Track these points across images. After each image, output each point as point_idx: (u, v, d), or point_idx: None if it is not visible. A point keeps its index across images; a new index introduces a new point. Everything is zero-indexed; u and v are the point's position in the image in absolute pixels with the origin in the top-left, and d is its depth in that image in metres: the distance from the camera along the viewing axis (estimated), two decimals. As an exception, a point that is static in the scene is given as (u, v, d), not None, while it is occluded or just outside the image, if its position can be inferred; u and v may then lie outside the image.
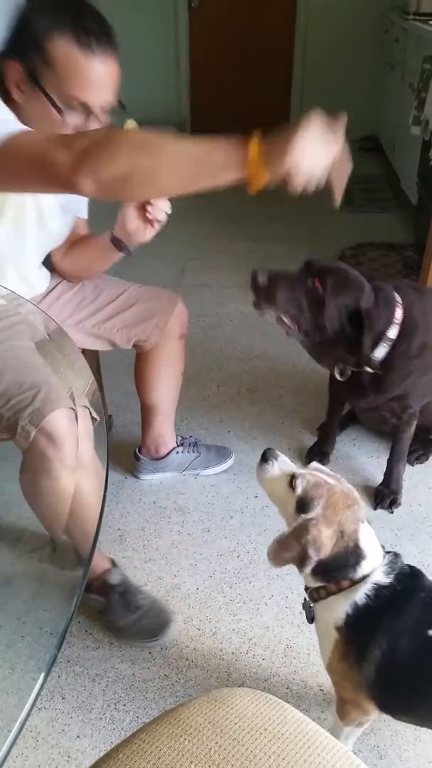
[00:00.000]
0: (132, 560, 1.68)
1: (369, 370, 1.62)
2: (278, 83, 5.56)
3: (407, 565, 1.09)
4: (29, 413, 1.14)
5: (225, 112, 5.69)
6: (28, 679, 0.73)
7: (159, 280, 1.83)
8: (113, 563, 1.56)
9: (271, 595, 1.60)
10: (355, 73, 5.36)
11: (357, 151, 5.25)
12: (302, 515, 1.04)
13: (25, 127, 1.13)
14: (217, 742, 0.76)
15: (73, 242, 1.62)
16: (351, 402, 1.91)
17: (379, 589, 1.03)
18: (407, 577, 1.06)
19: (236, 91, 5.60)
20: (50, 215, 1.46)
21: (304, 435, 2.15)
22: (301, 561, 1.02)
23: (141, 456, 1.95)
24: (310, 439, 2.12)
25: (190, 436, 2.00)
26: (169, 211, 1.40)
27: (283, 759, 0.75)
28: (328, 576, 1.05)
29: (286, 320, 1.59)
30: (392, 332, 1.58)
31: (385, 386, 1.67)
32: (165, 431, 1.92)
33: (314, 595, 1.10)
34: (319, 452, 2.03)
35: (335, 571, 1.04)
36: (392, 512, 1.84)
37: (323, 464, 2.04)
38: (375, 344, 1.56)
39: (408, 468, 1.95)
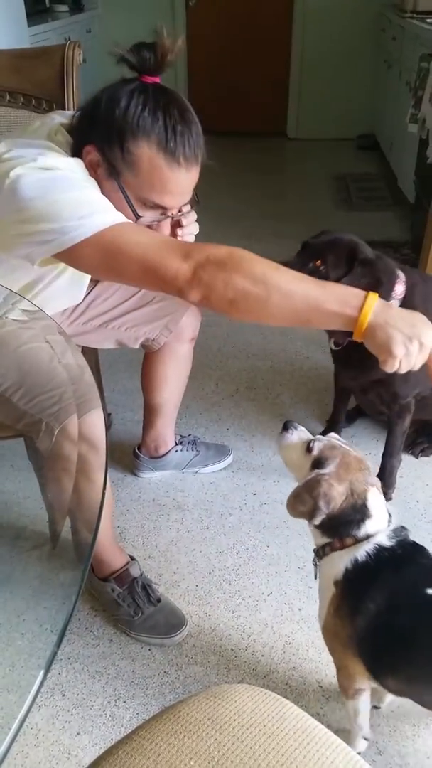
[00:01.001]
0: (131, 558, 1.69)
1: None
2: (275, 81, 5.56)
3: (413, 540, 1.11)
4: (55, 411, 1.14)
5: (222, 112, 5.68)
6: (29, 677, 0.73)
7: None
8: (132, 558, 1.58)
9: (270, 591, 1.61)
10: (353, 71, 5.36)
11: (354, 149, 5.29)
12: (316, 470, 1.08)
13: (125, 219, 1.08)
14: (216, 739, 0.77)
15: None
16: (341, 379, 1.91)
17: (380, 549, 1.06)
18: (410, 546, 1.09)
19: (233, 89, 5.60)
20: None
21: (302, 433, 2.15)
22: (311, 513, 1.06)
23: (140, 454, 1.95)
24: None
25: (189, 435, 2.01)
26: (197, 232, 1.35)
27: (282, 755, 0.75)
28: (333, 531, 1.09)
29: None
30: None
31: (371, 362, 1.66)
32: (166, 431, 1.92)
33: (320, 553, 1.14)
34: None
35: (340, 526, 1.08)
36: None
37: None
38: None
39: (405, 464, 1.95)
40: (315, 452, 1.12)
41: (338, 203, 4.19)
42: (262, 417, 2.23)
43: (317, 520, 1.07)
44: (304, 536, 1.73)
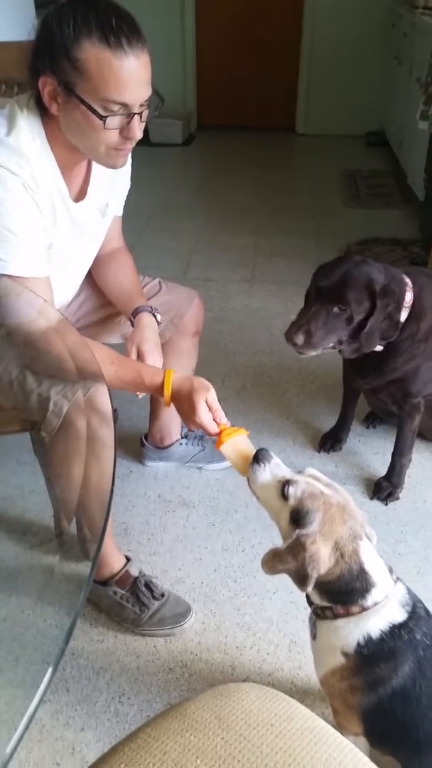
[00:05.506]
0: (137, 553, 1.68)
1: (377, 348, 1.63)
2: (285, 76, 5.53)
3: (422, 606, 1.04)
4: (62, 389, 1.15)
5: (231, 106, 5.67)
6: (33, 672, 0.73)
7: (165, 275, 1.82)
8: (127, 558, 1.57)
9: (276, 589, 1.60)
10: (363, 67, 5.32)
11: (363, 146, 5.26)
12: (298, 530, 0.98)
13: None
14: (223, 738, 0.76)
15: (112, 258, 1.61)
16: (353, 382, 1.92)
17: (395, 628, 0.99)
18: (425, 619, 1.02)
19: (242, 85, 5.58)
20: (90, 225, 1.45)
21: (308, 430, 2.14)
22: (300, 579, 0.98)
23: (146, 443, 1.97)
24: (315, 434, 2.11)
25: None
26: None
27: (290, 755, 0.75)
28: (335, 597, 1.01)
29: (335, 347, 1.62)
30: (402, 315, 1.59)
31: (388, 368, 1.68)
32: (171, 423, 1.92)
33: (319, 613, 1.06)
34: (333, 437, 2.07)
35: (343, 594, 1.00)
36: (386, 504, 1.85)
37: (335, 450, 2.06)
38: (389, 327, 1.57)
39: (414, 465, 1.94)
40: (292, 501, 0.99)
41: (347, 200, 4.17)
42: (269, 414, 2.22)
43: (309, 588, 0.98)
44: (310, 534, 1.72)
